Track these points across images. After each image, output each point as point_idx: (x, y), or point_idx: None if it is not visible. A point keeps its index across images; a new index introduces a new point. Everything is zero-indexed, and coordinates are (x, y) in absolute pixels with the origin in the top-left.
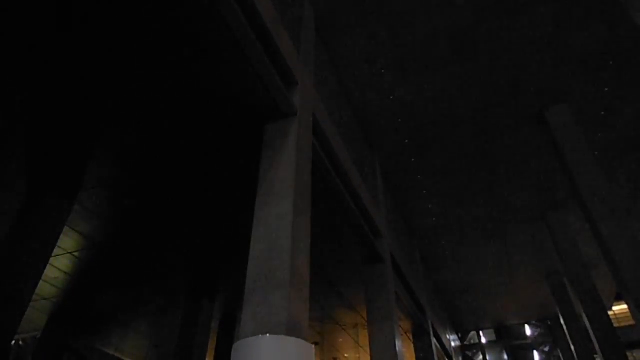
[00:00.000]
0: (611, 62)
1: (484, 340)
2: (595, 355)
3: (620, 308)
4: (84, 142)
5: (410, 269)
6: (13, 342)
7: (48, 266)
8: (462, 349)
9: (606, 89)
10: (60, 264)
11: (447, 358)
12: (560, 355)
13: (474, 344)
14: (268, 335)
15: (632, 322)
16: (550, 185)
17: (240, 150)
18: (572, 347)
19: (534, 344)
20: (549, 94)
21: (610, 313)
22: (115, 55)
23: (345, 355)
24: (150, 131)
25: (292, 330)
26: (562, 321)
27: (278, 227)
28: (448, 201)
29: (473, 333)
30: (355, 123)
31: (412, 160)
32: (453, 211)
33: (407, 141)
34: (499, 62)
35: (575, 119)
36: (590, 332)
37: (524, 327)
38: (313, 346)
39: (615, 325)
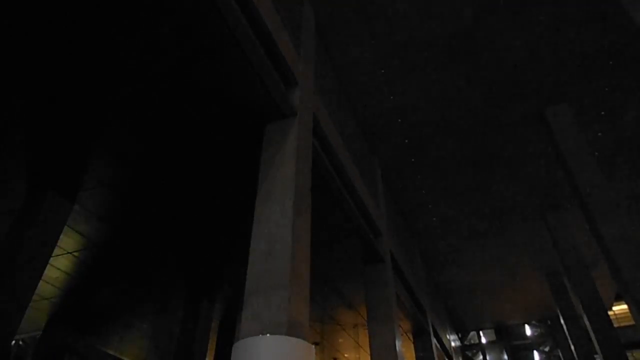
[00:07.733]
0: (611, 62)
1: (484, 340)
2: (595, 355)
3: (620, 308)
4: (84, 142)
5: (410, 269)
6: (13, 342)
7: (48, 266)
8: (462, 349)
9: (606, 89)
10: (60, 264)
11: (447, 358)
12: (560, 355)
13: (474, 344)
14: (268, 335)
15: (632, 322)
16: (550, 185)
17: (240, 150)
18: (572, 347)
19: (534, 344)
20: (549, 94)
21: (610, 313)
22: (116, 55)
23: (345, 355)
24: (150, 131)
25: (292, 330)
26: (562, 321)
27: (278, 227)
28: (448, 201)
29: (473, 333)
30: (355, 123)
31: (412, 160)
32: (453, 211)
33: (407, 141)
34: (499, 62)
35: (575, 119)
36: (590, 332)
37: (524, 327)
38: (313, 346)
39: (615, 325)
